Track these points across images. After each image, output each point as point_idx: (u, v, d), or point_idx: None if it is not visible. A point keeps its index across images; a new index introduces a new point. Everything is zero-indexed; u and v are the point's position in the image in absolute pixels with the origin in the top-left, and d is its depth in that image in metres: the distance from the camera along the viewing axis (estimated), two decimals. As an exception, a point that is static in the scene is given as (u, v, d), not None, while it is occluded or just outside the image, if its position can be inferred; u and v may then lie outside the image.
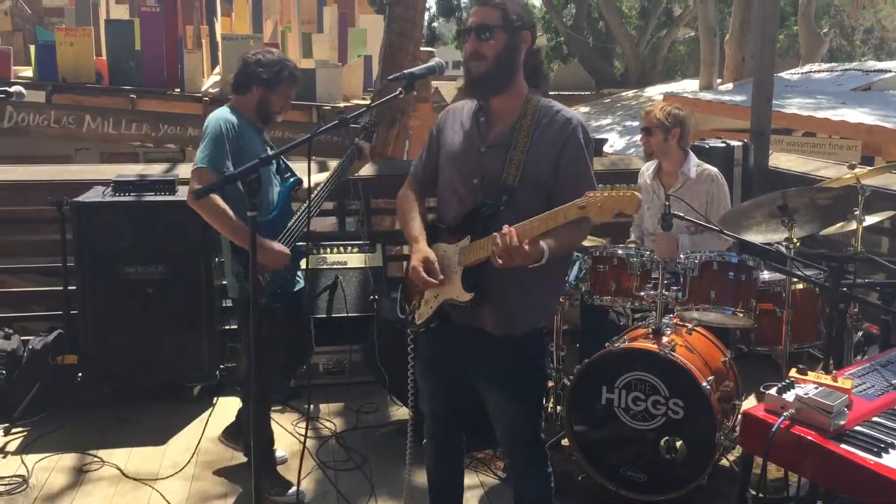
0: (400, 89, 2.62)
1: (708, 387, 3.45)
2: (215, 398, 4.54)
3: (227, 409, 4.34)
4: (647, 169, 4.73)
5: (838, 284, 2.50)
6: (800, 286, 4.06)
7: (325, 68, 8.81)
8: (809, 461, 1.77)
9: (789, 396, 1.85)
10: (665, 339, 3.66)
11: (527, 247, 2.34)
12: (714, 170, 4.56)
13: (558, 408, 4.07)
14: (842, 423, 1.80)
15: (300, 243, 3.46)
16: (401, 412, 4.39)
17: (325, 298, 4.67)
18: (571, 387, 3.72)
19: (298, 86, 3.60)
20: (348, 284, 4.75)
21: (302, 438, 3.99)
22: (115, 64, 9.20)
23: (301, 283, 3.63)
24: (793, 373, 1.96)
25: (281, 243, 3.38)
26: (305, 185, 3.43)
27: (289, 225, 3.46)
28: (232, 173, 2.29)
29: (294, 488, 3.52)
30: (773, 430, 1.78)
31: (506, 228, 2.34)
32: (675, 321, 3.91)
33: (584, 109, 14.70)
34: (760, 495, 3.46)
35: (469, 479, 3.76)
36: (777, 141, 8.82)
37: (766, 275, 4.07)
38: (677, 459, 3.46)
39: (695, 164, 4.53)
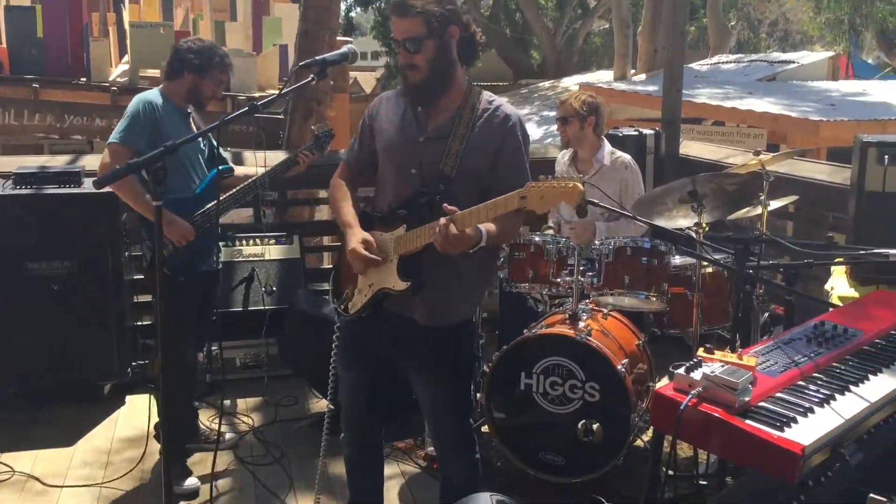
0: (312, 76, 2.57)
1: (623, 370, 3.52)
2: (126, 397, 4.41)
3: (137, 407, 4.21)
4: (563, 157, 4.79)
5: (743, 266, 2.57)
6: (709, 270, 4.17)
7: (240, 57, 8.62)
8: (716, 437, 1.82)
9: (697, 375, 1.89)
10: (581, 325, 3.72)
11: (468, 230, 2.36)
12: (628, 157, 4.64)
13: (478, 395, 4.10)
14: (746, 399, 1.86)
15: (228, 232, 3.53)
16: (321, 404, 4.34)
17: (241, 291, 4.58)
18: (490, 374, 3.75)
19: (230, 71, 3.69)
20: (265, 276, 4.67)
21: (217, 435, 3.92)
22: (16, 52, 8.81)
23: (219, 266, 3.70)
24: (700, 352, 2.01)
25: (193, 222, 3.44)
26: (237, 174, 3.59)
27: (206, 207, 3.49)
28: (136, 161, 2.22)
29: (193, 478, 3.52)
30: (682, 408, 1.82)
31: (444, 220, 2.32)
32: (591, 306, 3.97)
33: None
34: (671, 472, 3.56)
35: (390, 469, 3.75)
36: (688, 130, 9.05)
37: (677, 259, 4.17)
38: (594, 442, 3.52)
39: (609, 152, 4.60)
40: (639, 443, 3.79)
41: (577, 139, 4.58)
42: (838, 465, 2.12)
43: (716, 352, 2.02)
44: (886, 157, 3.09)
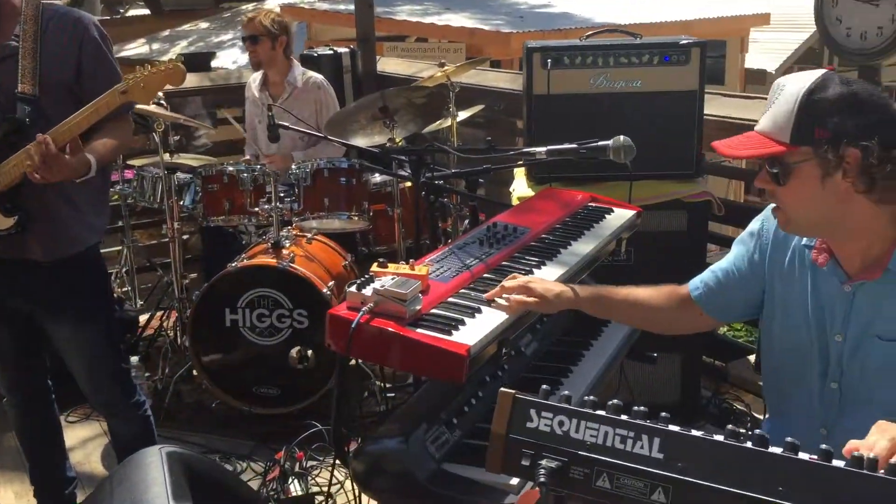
0: None
1: (328, 293, 3.51)
2: None
3: None
4: (253, 81, 4.60)
5: (419, 176, 2.61)
6: (408, 184, 4.24)
7: None
8: (391, 351, 1.82)
9: (368, 291, 1.88)
10: (284, 252, 3.64)
11: (69, 156, 2.21)
12: (320, 77, 4.55)
13: (185, 338, 3.91)
14: (417, 308, 1.88)
15: None
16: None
17: None
18: (193, 314, 3.58)
19: None
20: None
21: None
22: None
23: None
24: (374, 267, 2.00)
25: None
26: None
27: None
28: None
29: None
30: (353, 326, 1.80)
31: (40, 137, 2.17)
32: (294, 232, 3.89)
33: (203, 25, 13.97)
34: (387, 385, 3.66)
35: (91, 429, 3.50)
36: (392, 47, 9.09)
37: (376, 177, 4.20)
38: (309, 368, 3.51)
39: (301, 73, 4.49)
40: (353, 362, 3.83)
41: (269, 59, 4.42)
42: (513, 356, 2.26)
43: (389, 265, 2.02)
44: (549, 60, 3.24)
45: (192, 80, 5.44)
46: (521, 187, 3.42)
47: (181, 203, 3.99)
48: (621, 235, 2.64)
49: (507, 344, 2.00)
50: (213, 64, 8.37)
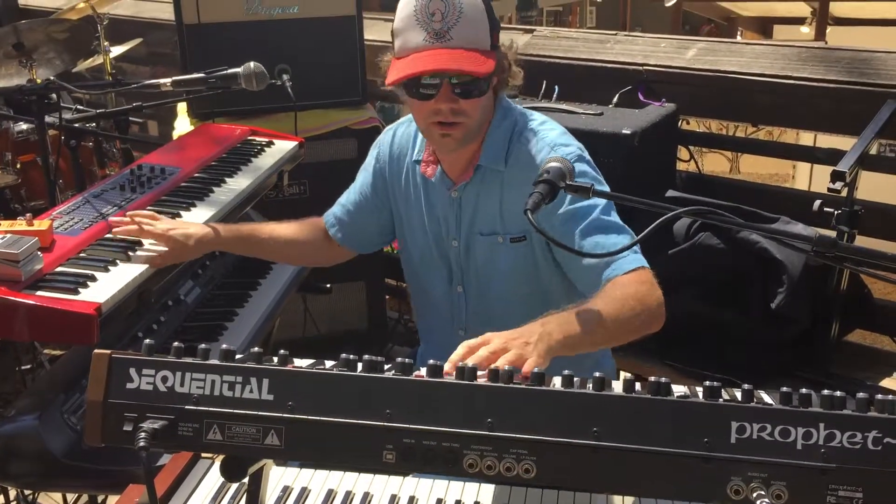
0: None
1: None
2: None
3: None
4: None
5: (42, 118, 2.32)
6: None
7: None
8: (9, 320, 1.60)
9: (-21, 257, 1.63)
10: None
11: None
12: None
13: None
14: (37, 268, 1.67)
15: None
16: None
17: None
18: None
19: None
20: None
21: None
22: None
23: None
24: (-15, 227, 1.75)
25: None
26: None
27: None
28: None
29: None
30: (-49, 299, 1.56)
31: None
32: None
33: None
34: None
35: None
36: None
37: (22, 124, 3.72)
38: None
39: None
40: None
41: None
42: (170, 306, 2.12)
43: (3, 222, 1.77)
44: (195, -13, 3.01)
45: None
46: (182, 125, 3.20)
47: None
48: (283, 168, 2.56)
49: (153, 295, 1.86)
50: None
